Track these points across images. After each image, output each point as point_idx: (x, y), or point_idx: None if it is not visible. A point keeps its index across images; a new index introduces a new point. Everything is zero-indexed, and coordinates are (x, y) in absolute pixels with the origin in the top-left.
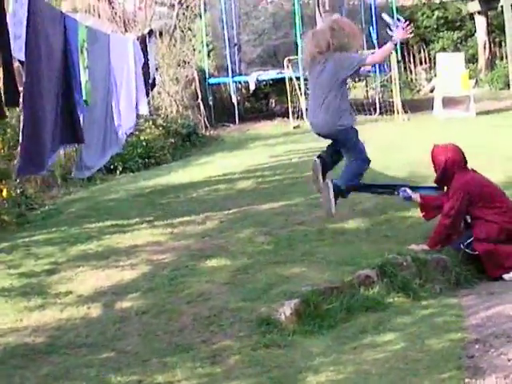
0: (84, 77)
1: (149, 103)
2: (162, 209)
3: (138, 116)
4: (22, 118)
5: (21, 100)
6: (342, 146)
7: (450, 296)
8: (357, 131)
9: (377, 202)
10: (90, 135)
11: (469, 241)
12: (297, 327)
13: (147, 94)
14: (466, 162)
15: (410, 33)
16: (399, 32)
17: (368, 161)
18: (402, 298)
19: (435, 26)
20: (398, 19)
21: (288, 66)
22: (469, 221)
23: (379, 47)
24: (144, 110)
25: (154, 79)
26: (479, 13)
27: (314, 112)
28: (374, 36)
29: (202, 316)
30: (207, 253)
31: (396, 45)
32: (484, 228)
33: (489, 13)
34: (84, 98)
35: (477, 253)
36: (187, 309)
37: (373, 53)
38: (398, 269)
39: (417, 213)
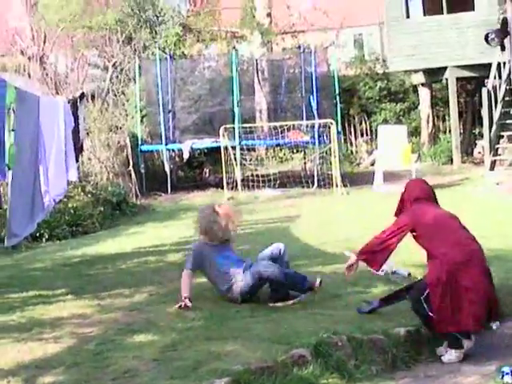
0: (9, 140)
1: (78, 169)
2: (89, 280)
3: (68, 182)
4: None
5: None
6: None
7: (386, 378)
8: None
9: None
10: (18, 201)
11: (426, 292)
12: None
13: (76, 160)
14: (429, 198)
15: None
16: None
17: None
18: (337, 379)
19: (377, 98)
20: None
21: (224, 135)
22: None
23: (319, 117)
24: (73, 176)
25: (82, 144)
26: (423, 85)
27: None
28: (314, 105)
29: None
30: (135, 327)
31: None
32: (431, 267)
33: (433, 85)
34: (6, 162)
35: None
36: None
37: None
38: (333, 349)
39: (353, 291)
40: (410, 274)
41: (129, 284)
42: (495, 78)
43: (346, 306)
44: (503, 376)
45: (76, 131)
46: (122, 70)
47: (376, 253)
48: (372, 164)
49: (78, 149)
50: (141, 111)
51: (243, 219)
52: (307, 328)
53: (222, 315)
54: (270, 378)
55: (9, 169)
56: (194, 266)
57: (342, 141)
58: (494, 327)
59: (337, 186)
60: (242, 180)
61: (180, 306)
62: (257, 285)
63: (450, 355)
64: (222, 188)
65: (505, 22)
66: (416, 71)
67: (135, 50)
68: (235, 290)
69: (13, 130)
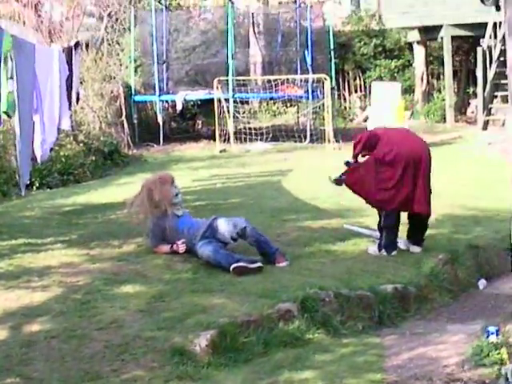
0: (5, 88)
1: (71, 118)
2: (78, 229)
3: (59, 131)
4: None
5: None
6: None
7: (372, 335)
8: None
9: (300, 235)
10: (23, 150)
11: None
12: (212, 359)
13: (70, 108)
14: None
15: None
16: None
17: None
18: (322, 335)
19: (372, 54)
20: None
21: (217, 87)
22: None
23: (313, 72)
24: (66, 124)
25: (78, 93)
26: (418, 43)
27: None
28: (309, 60)
29: (113, 344)
30: (123, 278)
31: None
32: None
33: (428, 43)
34: (4, 109)
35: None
36: (99, 335)
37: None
38: (320, 304)
39: (341, 247)
40: None
41: (118, 234)
42: (491, 37)
43: (334, 262)
44: (488, 335)
45: (70, 80)
46: (117, 19)
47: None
48: (365, 120)
49: (74, 98)
50: (135, 61)
51: (235, 171)
52: (294, 283)
53: (209, 268)
54: (256, 332)
55: (8, 116)
56: (157, 240)
57: (336, 96)
58: (481, 287)
59: (329, 141)
60: (235, 133)
61: (171, 247)
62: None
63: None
64: (215, 140)
65: None
66: (412, 29)
67: None
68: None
69: (11, 78)
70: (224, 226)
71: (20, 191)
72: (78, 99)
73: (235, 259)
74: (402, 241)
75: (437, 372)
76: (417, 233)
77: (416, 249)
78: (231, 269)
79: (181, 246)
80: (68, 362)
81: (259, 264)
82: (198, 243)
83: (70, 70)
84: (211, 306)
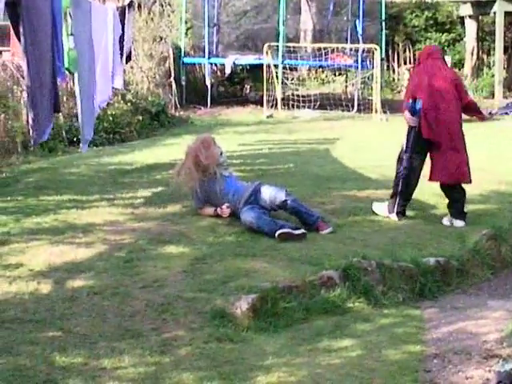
0: (67, 44)
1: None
2: (123, 188)
3: (113, 89)
4: (28, 84)
5: (25, 67)
6: None
7: (412, 307)
8: None
9: (346, 203)
10: (85, 105)
11: None
12: (252, 323)
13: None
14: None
15: None
16: None
17: None
18: (363, 304)
19: (423, 27)
20: None
21: (267, 53)
22: None
23: (363, 42)
24: (119, 83)
25: (130, 53)
26: (470, 17)
27: None
28: (360, 30)
29: (155, 303)
30: (166, 238)
31: None
32: None
33: (480, 18)
34: (66, 66)
35: None
36: (140, 294)
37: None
38: (362, 273)
39: (386, 218)
40: None
41: (163, 194)
42: None
43: (378, 232)
44: None
45: (123, 39)
46: None
47: None
48: None
49: (125, 57)
50: (186, 23)
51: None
52: (337, 251)
53: (253, 232)
54: (297, 298)
55: (70, 73)
56: (202, 203)
57: (385, 67)
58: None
59: (376, 111)
60: (282, 99)
61: (216, 210)
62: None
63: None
64: (262, 105)
65: None
66: (464, 2)
67: None
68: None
69: (72, 35)
70: (266, 195)
71: (81, 147)
72: (129, 59)
73: (279, 225)
74: (445, 218)
75: (476, 347)
76: (450, 205)
77: (457, 223)
78: (276, 235)
79: (225, 210)
80: (109, 319)
81: (303, 230)
82: (241, 208)
83: (123, 29)
84: (254, 270)
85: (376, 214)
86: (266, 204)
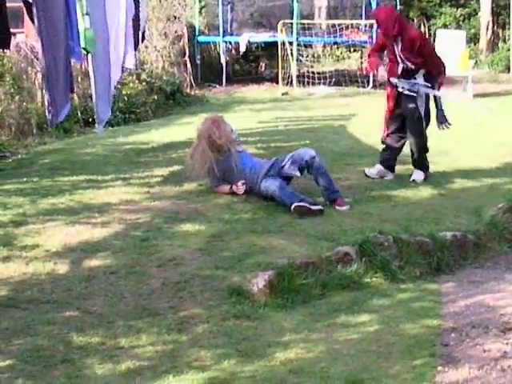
0: (82, 24)
1: (135, 57)
2: (139, 167)
3: (123, 69)
4: (43, 65)
5: (40, 48)
6: None
7: (429, 281)
8: None
9: (362, 179)
10: (100, 86)
11: None
12: (269, 300)
13: (135, 48)
14: None
15: None
16: None
17: None
18: (380, 279)
19: (438, 1)
20: None
21: (282, 30)
22: None
23: None
24: (130, 63)
25: (144, 33)
26: None
27: None
28: (374, 5)
29: (171, 281)
30: (182, 216)
31: None
32: None
33: None
34: (83, 45)
35: None
36: (157, 272)
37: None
38: (378, 248)
39: (402, 193)
40: None
41: (178, 173)
42: None
43: (394, 207)
44: None
45: (137, 19)
46: None
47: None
48: None
49: (139, 37)
50: (199, 2)
51: (298, 114)
52: (354, 226)
53: (269, 209)
54: (314, 274)
55: (87, 52)
56: (218, 180)
57: None
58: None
59: None
60: (298, 76)
61: (231, 187)
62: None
63: None
64: (277, 83)
65: None
66: None
67: None
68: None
69: (87, 14)
70: (295, 153)
71: (96, 127)
72: (143, 38)
73: (299, 198)
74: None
75: (493, 320)
76: None
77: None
78: (293, 207)
79: (240, 187)
80: (126, 298)
81: (320, 207)
82: (261, 181)
83: (137, 8)
84: (270, 246)
85: (393, 189)
86: (290, 169)
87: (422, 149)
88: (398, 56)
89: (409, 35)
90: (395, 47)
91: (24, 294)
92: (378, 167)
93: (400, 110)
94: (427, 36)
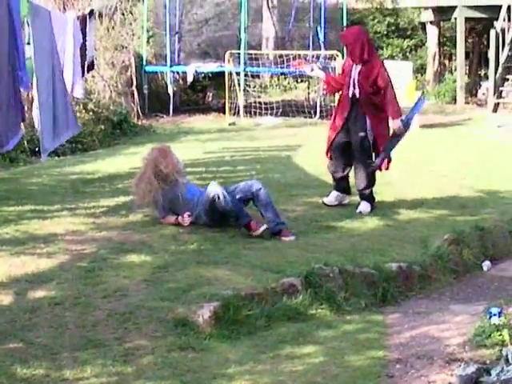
0: (27, 53)
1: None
2: (85, 197)
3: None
4: None
5: None
6: None
7: (374, 312)
8: None
9: (309, 210)
10: (43, 115)
11: None
12: (214, 331)
13: (82, 76)
14: None
15: None
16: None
17: None
18: (326, 311)
19: (385, 33)
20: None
21: (229, 60)
22: None
23: (325, 48)
24: (79, 93)
25: (93, 62)
26: (432, 23)
27: None
28: (321, 36)
29: (117, 312)
30: (128, 247)
31: None
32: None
33: (441, 24)
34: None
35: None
36: (102, 304)
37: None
38: (324, 280)
39: (348, 224)
40: None
41: (125, 203)
42: (504, 20)
43: (340, 238)
44: (491, 317)
45: (84, 48)
46: None
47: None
48: None
49: (87, 66)
50: (147, 32)
51: (244, 145)
52: (299, 258)
53: (215, 240)
54: (259, 305)
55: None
56: (165, 211)
57: None
58: (485, 269)
59: None
60: (245, 106)
61: (177, 218)
62: (212, 208)
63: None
64: (224, 113)
65: None
66: (425, 8)
67: None
68: (202, 216)
69: (28, 44)
70: (240, 185)
71: (40, 156)
72: (92, 67)
73: (249, 216)
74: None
75: (438, 351)
76: None
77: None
78: (246, 223)
79: (186, 219)
80: (71, 329)
81: (266, 226)
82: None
83: (84, 38)
84: (215, 277)
85: (339, 220)
86: (240, 193)
87: (369, 180)
88: (352, 79)
89: (371, 62)
90: (353, 69)
91: None
92: (334, 193)
93: (345, 137)
94: None
